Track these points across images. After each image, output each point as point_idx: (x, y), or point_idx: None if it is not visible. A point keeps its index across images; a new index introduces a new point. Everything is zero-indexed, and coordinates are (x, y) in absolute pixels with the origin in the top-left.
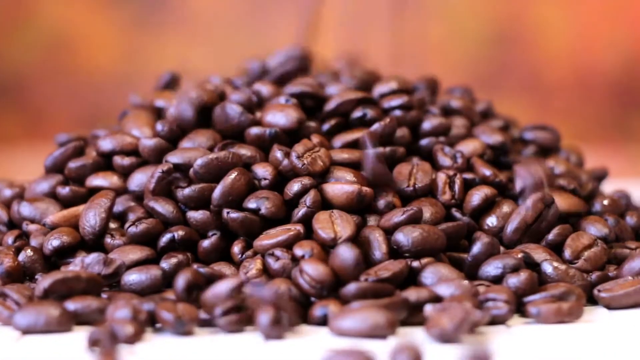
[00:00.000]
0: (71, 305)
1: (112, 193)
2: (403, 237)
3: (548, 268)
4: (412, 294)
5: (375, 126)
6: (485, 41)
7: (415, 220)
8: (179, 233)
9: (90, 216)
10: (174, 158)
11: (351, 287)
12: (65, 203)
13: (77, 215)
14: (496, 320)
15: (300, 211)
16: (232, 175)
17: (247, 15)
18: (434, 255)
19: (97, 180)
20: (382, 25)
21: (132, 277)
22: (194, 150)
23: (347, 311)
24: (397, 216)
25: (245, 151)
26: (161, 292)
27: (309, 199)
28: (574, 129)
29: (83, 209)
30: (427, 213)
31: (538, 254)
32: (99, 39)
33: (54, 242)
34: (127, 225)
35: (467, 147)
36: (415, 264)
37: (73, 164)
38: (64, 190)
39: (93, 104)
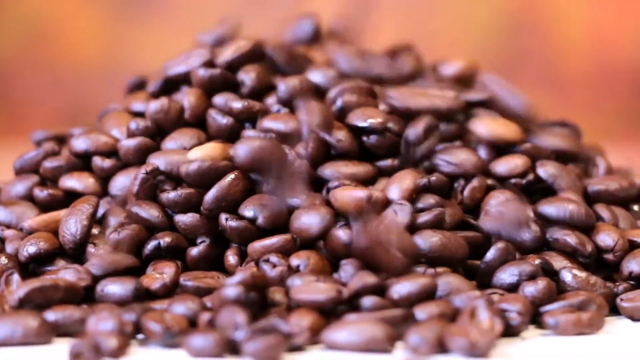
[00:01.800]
0: (51, 315)
1: (95, 198)
2: (422, 242)
3: (567, 276)
4: (420, 311)
5: (424, 181)
6: (498, 29)
7: (438, 222)
8: (165, 240)
9: (71, 223)
10: (158, 161)
11: (367, 301)
12: (43, 206)
13: (57, 220)
14: (509, 332)
15: None
16: (228, 179)
17: (237, 5)
18: (452, 265)
19: (70, 182)
20: (386, 13)
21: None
22: (179, 153)
23: (342, 323)
24: (421, 217)
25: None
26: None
27: None
28: (595, 125)
29: (64, 215)
30: (445, 215)
31: (558, 261)
32: (80, 29)
33: (29, 248)
34: (108, 231)
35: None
36: (430, 271)
37: (49, 164)
38: (42, 193)
39: (75, 97)
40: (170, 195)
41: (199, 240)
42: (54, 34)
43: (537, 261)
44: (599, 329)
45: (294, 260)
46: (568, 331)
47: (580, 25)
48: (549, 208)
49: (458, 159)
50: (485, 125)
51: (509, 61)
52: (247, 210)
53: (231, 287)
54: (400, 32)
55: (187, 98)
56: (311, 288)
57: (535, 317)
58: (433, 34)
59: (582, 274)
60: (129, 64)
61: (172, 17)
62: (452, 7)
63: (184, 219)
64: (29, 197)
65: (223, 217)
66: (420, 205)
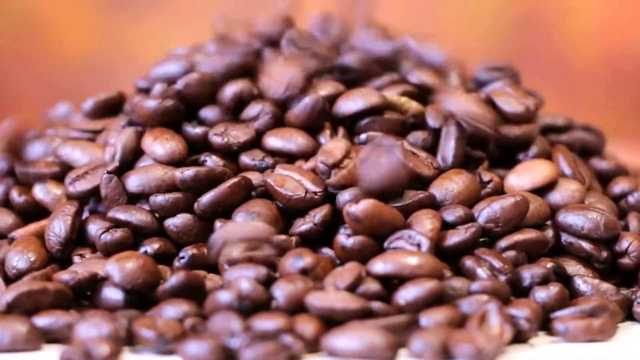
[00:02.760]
0: (40, 320)
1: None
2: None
3: (579, 282)
4: (426, 316)
5: None
6: (504, 24)
7: (478, 238)
8: (153, 246)
9: (55, 225)
10: (132, 182)
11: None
12: (20, 212)
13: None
14: (518, 338)
15: (302, 225)
16: (228, 184)
17: None
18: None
19: (39, 193)
20: (390, 7)
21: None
22: (153, 169)
23: (343, 329)
24: (459, 235)
25: (217, 159)
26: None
27: (318, 215)
28: (606, 123)
29: (48, 220)
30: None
31: (571, 265)
32: (70, 23)
33: (18, 264)
34: (99, 232)
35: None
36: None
37: (21, 170)
38: (19, 199)
39: (65, 92)
40: (157, 199)
41: (181, 254)
42: (43, 28)
43: (549, 264)
44: (611, 336)
45: None
46: (578, 338)
47: (589, 20)
48: (571, 216)
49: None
50: (521, 178)
51: (516, 57)
52: (239, 217)
53: (225, 293)
54: (405, 27)
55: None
56: (330, 295)
57: (545, 323)
58: (438, 29)
59: (594, 281)
60: (120, 58)
61: (163, 11)
62: (457, 2)
63: (175, 221)
64: (4, 203)
65: (218, 224)
66: (449, 218)
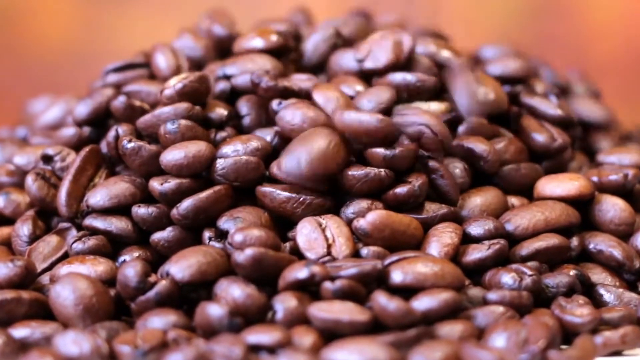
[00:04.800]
0: (18, 331)
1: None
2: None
3: (601, 291)
4: (445, 327)
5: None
6: (520, 11)
7: (501, 257)
8: (132, 255)
9: (18, 227)
10: (93, 199)
11: None
12: None
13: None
14: None
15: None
16: (210, 191)
17: None
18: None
19: (2, 202)
20: None
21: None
22: (120, 183)
23: (344, 342)
24: (481, 251)
25: None
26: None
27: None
28: (626, 114)
29: (13, 227)
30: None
31: (596, 273)
32: (50, 13)
33: None
34: (71, 240)
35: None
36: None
37: None
38: None
39: (45, 86)
40: (139, 211)
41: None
42: (22, 17)
43: (572, 272)
44: (634, 347)
45: None
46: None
47: (610, 7)
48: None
49: None
50: (555, 186)
51: (531, 45)
52: (222, 222)
53: (217, 308)
54: (415, 13)
55: None
56: (335, 307)
57: (569, 337)
58: (449, 15)
59: (618, 290)
60: (103, 48)
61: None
62: None
63: (165, 235)
64: None
65: (206, 235)
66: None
